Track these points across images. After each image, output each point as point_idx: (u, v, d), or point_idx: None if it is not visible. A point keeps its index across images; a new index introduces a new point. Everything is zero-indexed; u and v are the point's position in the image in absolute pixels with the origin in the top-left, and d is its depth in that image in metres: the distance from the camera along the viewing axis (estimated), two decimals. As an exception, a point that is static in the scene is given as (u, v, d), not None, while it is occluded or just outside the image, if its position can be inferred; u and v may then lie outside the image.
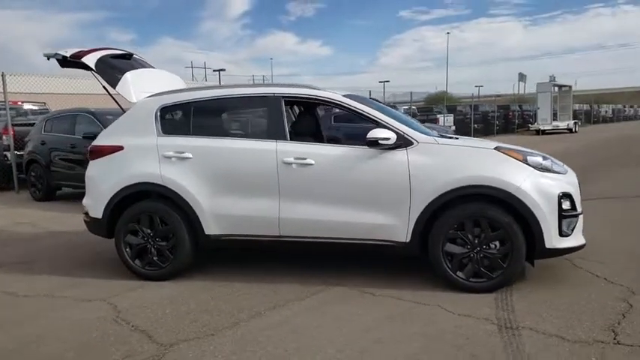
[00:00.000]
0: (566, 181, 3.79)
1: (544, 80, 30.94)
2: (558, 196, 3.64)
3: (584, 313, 3.31)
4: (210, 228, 4.13)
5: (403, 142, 3.82)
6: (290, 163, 3.95)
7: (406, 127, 3.92)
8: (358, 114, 4.04)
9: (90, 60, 4.51)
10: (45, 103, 13.84)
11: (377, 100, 6.33)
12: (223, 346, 3.04)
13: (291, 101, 4.29)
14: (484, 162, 3.73)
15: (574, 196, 3.75)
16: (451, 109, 28.73)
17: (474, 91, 31.49)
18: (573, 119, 31.46)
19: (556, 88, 31.18)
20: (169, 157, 4.19)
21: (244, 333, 3.21)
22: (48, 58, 4.76)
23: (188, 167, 4.14)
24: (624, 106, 58.53)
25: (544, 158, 3.83)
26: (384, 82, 26.46)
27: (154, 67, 5.23)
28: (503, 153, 3.77)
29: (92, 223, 4.49)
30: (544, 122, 28.74)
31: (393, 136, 3.78)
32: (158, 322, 3.44)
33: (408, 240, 3.81)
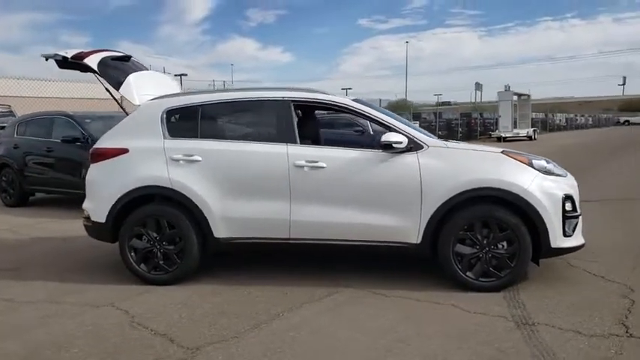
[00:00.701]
0: (567, 184, 3.98)
1: (499, 89, 32.07)
2: (562, 197, 3.83)
3: (591, 310, 3.48)
4: (220, 231, 4.11)
5: (414, 146, 3.92)
6: (302, 166, 3.98)
7: (416, 132, 4.03)
8: (369, 118, 4.14)
9: (92, 61, 4.42)
10: (10, 106, 13.31)
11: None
12: (251, 347, 3.04)
13: (300, 105, 4.32)
14: (493, 165, 3.88)
15: (575, 198, 3.94)
16: (416, 117, 29.35)
17: (433, 99, 32.32)
18: (532, 127, 32.70)
19: (515, 97, 32.35)
20: (177, 160, 4.14)
21: (268, 334, 3.22)
22: (46, 59, 4.64)
23: (197, 170, 4.11)
24: (576, 115, 61.21)
25: (547, 162, 4.01)
26: (347, 89, 26.77)
27: (149, 70, 5.18)
28: (510, 157, 3.93)
29: (94, 228, 4.38)
30: (505, 130, 29.73)
31: (405, 140, 3.88)
32: (176, 326, 3.40)
33: (419, 241, 3.91)
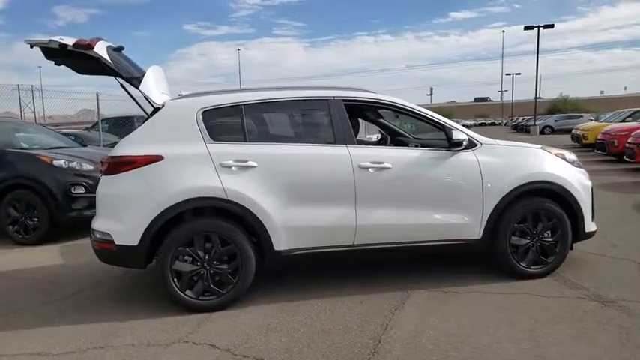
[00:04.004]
0: (586, 175, 4.48)
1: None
2: (591, 187, 4.31)
3: (634, 282, 3.97)
4: (281, 243, 3.73)
5: (469, 144, 4.05)
6: (367, 168, 3.83)
7: (469, 130, 4.16)
8: (420, 117, 4.13)
9: (102, 50, 3.66)
10: None
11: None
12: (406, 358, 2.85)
13: (349, 105, 4.12)
14: (540, 160, 4.18)
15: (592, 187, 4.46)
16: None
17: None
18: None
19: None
20: (229, 167, 3.66)
21: (404, 344, 3.04)
22: (31, 46, 3.71)
23: (253, 177, 3.68)
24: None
25: (571, 154, 4.46)
26: (180, 95, 25.51)
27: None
28: (549, 152, 4.29)
29: (120, 253, 3.63)
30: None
31: (467, 138, 3.99)
32: (291, 351, 3.02)
33: (480, 237, 4.04)
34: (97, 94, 12.45)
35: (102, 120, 12.57)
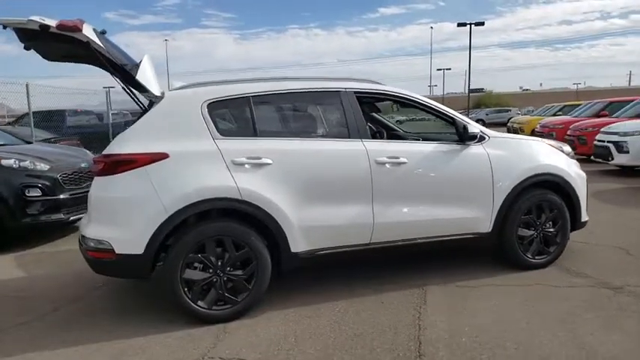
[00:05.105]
0: (579, 166, 4.59)
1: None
2: (585, 178, 4.42)
3: (628, 268, 4.12)
4: (298, 245, 3.50)
5: (479, 138, 4.01)
6: (383, 163, 3.69)
7: (477, 124, 4.12)
8: (432, 110, 4.04)
9: (90, 33, 3.23)
10: None
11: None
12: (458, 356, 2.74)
13: (361, 97, 3.93)
14: (543, 153, 4.22)
15: (584, 177, 4.58)
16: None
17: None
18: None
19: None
20: (242, 164, 3.37)
21: (447, 345, 2.93)
22: (4, 27, 3.20)
23: (268, 175, 3.42)
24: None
25: (567, 147, 4.55)
26: (109, 88, 21.75)
27: None
28: (548, 144, 4.34)
29: (121, 263, 3.24)
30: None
31: (479, 132, 3.95)
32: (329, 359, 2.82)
33: (490, 230, 4.02)
34: (27, 85, 11.36)
35: (27, 114, 11.50)
